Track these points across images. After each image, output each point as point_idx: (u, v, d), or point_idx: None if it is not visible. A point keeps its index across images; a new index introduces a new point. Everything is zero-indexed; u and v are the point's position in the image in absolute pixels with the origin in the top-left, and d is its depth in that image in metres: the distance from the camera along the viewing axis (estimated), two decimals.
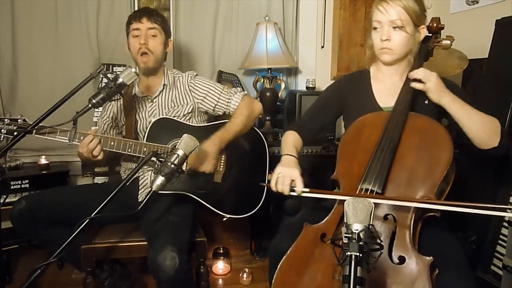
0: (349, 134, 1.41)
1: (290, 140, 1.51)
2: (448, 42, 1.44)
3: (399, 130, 1.29)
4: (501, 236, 1.73)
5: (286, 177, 1.30)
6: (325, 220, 1.28)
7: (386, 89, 1.47)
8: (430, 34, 1.48)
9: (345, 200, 1.24)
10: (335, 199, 1.44)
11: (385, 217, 1.20)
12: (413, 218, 1.17)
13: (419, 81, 1.32)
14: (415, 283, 1.07)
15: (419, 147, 1.27)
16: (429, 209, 1.19)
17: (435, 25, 1.47)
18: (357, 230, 0.85)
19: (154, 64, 1.79)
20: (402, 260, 1.11)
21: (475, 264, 1.78)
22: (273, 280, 1.20)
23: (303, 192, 1.27)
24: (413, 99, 1.36)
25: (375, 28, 1.39)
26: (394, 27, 1.34)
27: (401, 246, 1.14)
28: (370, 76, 1.52)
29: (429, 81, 1.30)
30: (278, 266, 1.21)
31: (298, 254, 1.22)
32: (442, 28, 1.49)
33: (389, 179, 1.24)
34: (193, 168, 1.67)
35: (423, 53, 1.44)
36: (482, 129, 1.28)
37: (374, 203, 1.17)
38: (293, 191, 1.28)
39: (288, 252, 1.22)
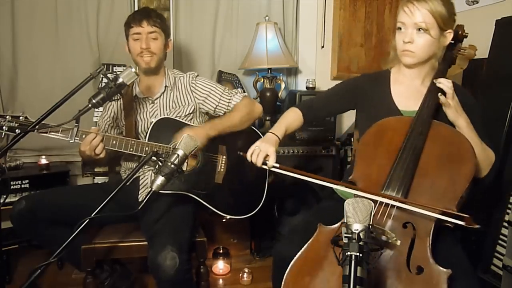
0: (369, 137, 1.37)
1: (287, 120, 1.55)
2: (472, 52, 1.42)
3: (423, 137, 1.27)
4: (501, 236, 1.74)
5: (262, 151, 1.37)
6: (340, 222, 1.24)
7: (406, 92, 1.44)
8: (453, 42, 1.44)
9: (319, 183, 1.29)
10: (336, 200, 1.44)
11: (404, 225, 1.18)
12: (433, 228, 1.15)
13: (442, 92, 1.30)
14: None
15: (442, 157, 1.25)
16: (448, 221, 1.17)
17: (459, 32, 1.43)
18: (357, 230, 0.85)
19: (156, 64, 1.79)
20: (420, 270, 1.10)
21: (475, 264, 1.78)
22: (283, 280, 1.18)
23: (274, 167, 1.36)
24: (436, 106, 1.32)
25: (399, 29, 1.36)
26: (419, 29, 1.31)
27: (420, 256, 1.12)
28: (390, 78, 1.50)
29: (453, 99, 1.28)
30: (290, 266, 1.19)
31: (311, 254, 1.20)
32: (466, 37, 1.46)
33: (411, 188, 1.22)
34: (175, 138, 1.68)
35: (448, 60, 1.42)
36: (478, 162, 1.28)
37: (397, 207, 1.18)
38: (265, 164, 1.37)
39: (301, 252, 1.21)
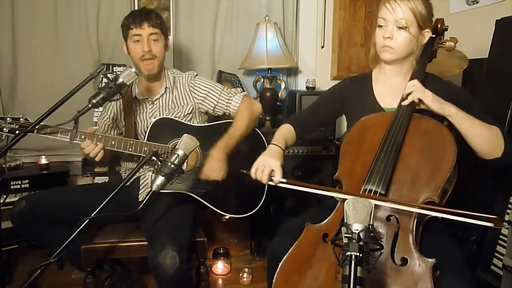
0: (352, 134, 1.40)
1: (283, 132, 1.53)
2: (452, 44, 1.43)
3: (403, 131, 1.28)
4: (501, 236, 1.73)
5: (266, 166, 1.32)
6: (327, 220, 1.27)
7: (388, 90, 1.46)
8: (434, 35, 1.46)
9: (326, 194, 1.27)
10: (335, 199, 1.45)
11: (388, 218, 1.19)
12: (415, 219, 1.17)
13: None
14: (418, 284, 1.07)
15: (423, 148, 1.26)
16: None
17: (439, 26, 1.46)
18: (357, 230, 0.85)
19: (158, 69, 1.78)
20: (404, 261, 1.11)
21: (475, 264, 1.78)
22: (274, 279, 1.20)
23: (281, 182, 1.30)
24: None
25: (379, 26, 1.38)
26: (399, 27, 1.33)
27: (404, 247, 1.13)
28: (372, 78, 1.52)
29: (422, 92, 1.26)
30: (280, 265, 1.21)
31: (300, 253, 1.22)
32: (446, 30, 1.48)
33: (393, 180, 1.23)
34: (206, 177, 1.69)
35: (427, 54, 1.43)
36: (486, 140, 1.26)
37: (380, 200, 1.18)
38: (271, 180, 1.31)
39: (290, 251, 1.22)
